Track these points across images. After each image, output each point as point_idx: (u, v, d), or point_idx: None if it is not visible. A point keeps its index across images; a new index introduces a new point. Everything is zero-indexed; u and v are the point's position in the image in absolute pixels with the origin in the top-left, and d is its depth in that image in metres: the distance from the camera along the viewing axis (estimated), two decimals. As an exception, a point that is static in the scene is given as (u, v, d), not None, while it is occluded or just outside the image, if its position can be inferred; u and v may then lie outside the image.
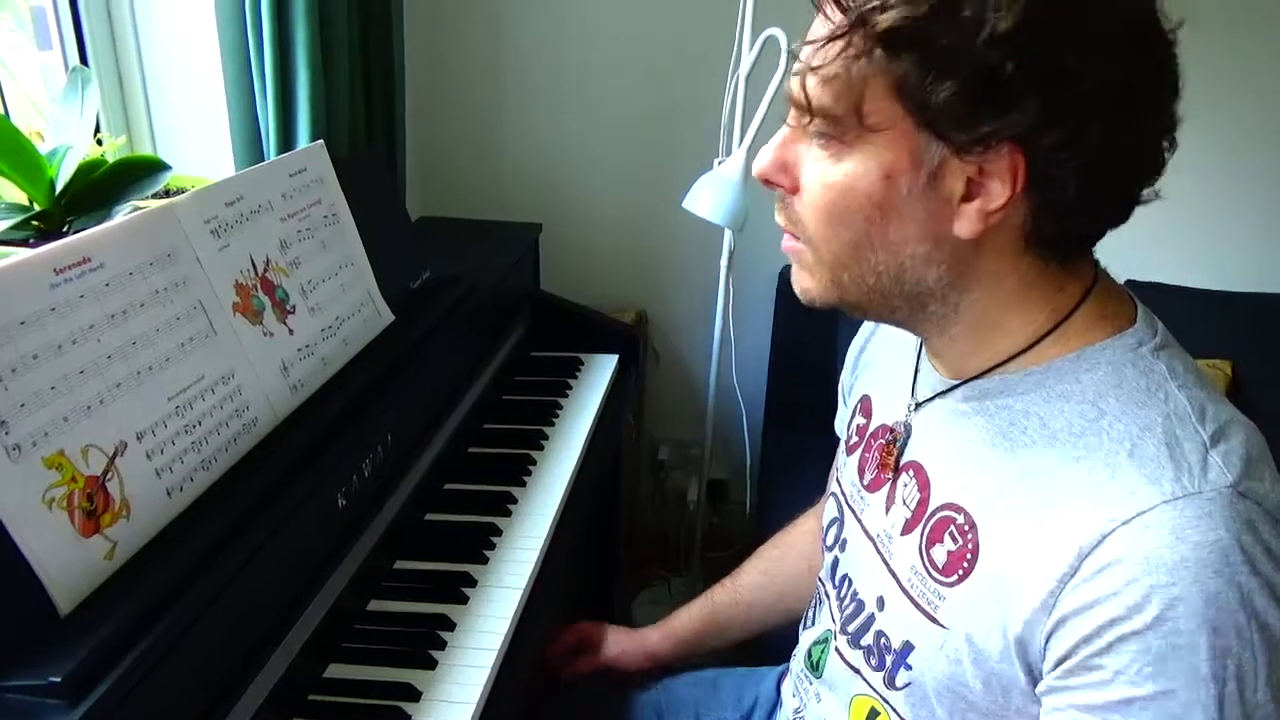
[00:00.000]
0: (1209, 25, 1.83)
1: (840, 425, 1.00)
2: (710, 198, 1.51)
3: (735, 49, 1.59)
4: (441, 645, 0.89)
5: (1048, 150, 0.58)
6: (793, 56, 0.64)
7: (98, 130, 1.34)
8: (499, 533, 1.08)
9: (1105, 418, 0.62)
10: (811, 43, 0.61)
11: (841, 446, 0.90)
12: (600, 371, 1.51)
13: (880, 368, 0.87)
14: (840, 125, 0.61)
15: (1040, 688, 0.62)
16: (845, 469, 0.87)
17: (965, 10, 0.55)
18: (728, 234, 1.70)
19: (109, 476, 0.68)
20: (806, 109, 0.61)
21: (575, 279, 1.95)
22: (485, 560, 1.03)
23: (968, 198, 0.60)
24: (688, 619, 1.12)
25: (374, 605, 0.96)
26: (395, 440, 1.03)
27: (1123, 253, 1.97)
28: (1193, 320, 1.84)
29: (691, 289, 2.05)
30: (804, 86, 0.61)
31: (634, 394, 1.69)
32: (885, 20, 0.56)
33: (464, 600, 0.96)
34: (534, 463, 1.23)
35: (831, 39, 0.59)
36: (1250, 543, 0.55)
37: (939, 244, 0.63)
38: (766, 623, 1.10)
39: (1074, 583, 0.58)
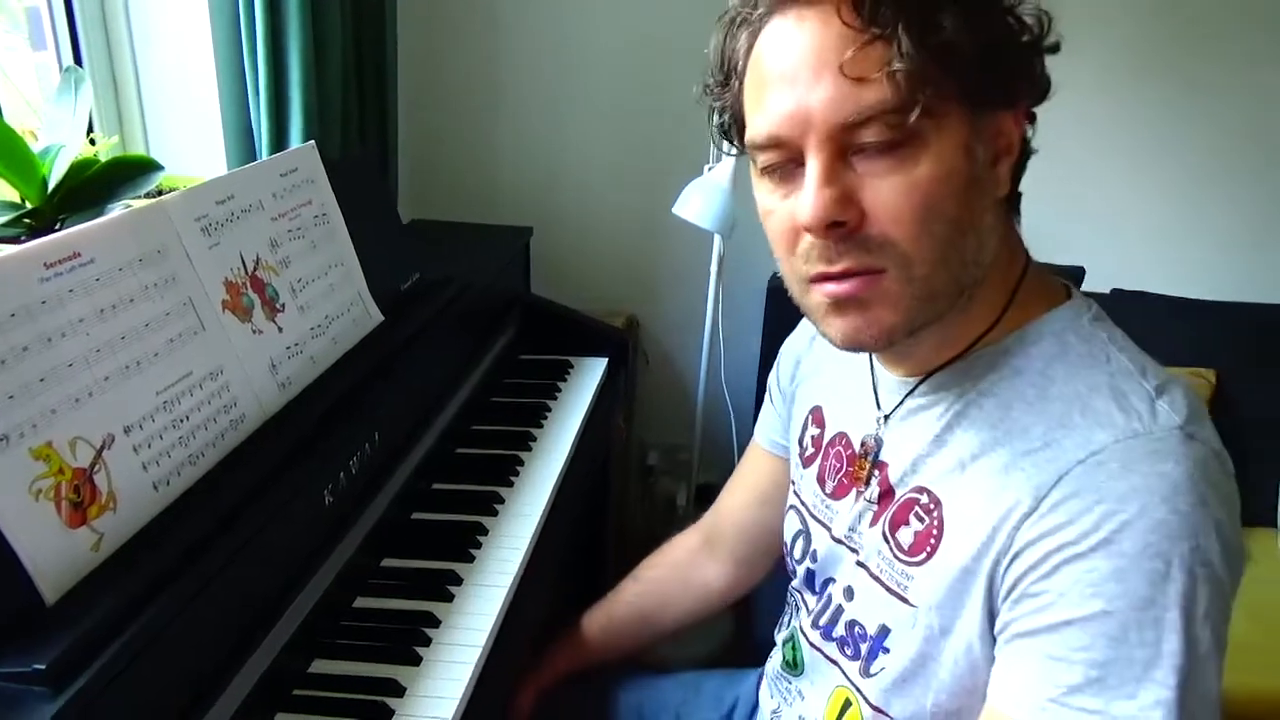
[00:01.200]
0: (1199, 42, 1.86)
1: (764, 429, 1.00)
2: (700, 203, 1.53)
3: (726, 56, 1.61)
4: (426, 642, 0.90)
5: (1035, 102, 0.66)
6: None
7: (91, 130, 1.35)
8: (485, 532, 1.08)
9: (1055, 384, 0.65)
10: (867, 49, 0.58)
11: (795, 460, 0.90)
12: (589, 374, 1.52)
13: (828, 376, 0.87)
14: (910, 120, 0.58)
15: (996, 630, 0.64)
16: (803, 481, 0.87)
17: None
18: (718, 240, 1.72)
19: (96, 469, 0.69)
20: (900, 108, 0.58)
21: (566, 282, 1.96)
22: (471, 559, 1.03)
23: (995, 159, 0.65)
24: (575, 639, 1.12)
25: (360, 602, 0.96)
26: (383, 439, 1.04)
27: (1108, 263, 1.99)
28: (1176, 330, 1.87)
29: (682, 294, 2.06)
30: (899, 86, 0.58)
31: (624, 398, 1.70)
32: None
33: (449, 598, 0.97)
34: (521, 463, 1.24)
35: (883, 38, 0.58)
36: (1199, 479, 0.58)
37: (996, 210, 0.66)
38: (639, 641, 1.11)
39: (1031, 519, 0.61)
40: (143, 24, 1.40)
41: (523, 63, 1.97)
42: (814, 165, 0.61)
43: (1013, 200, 0.70)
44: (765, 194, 0.67)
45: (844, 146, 0.61)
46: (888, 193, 0.60)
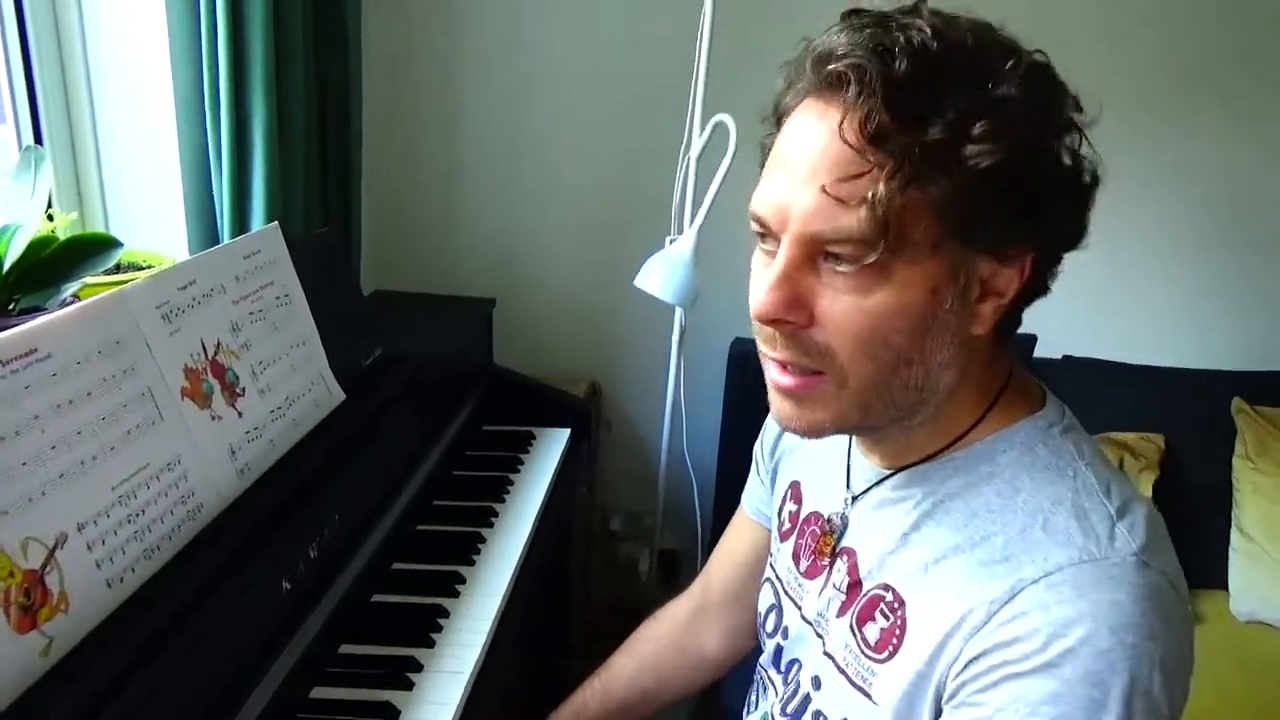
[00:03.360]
0: (1149, 117, 1.94)
1: (750, 498, 1.01)
2: (661, 276, 1.55)
3: (686, 133, 1.64)
4: (385, 734, 0.88)
5: (1056, 248, 0.65)
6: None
7: (49, 205, 1.34)
8: (446, 614, 1.07)
9: (1020, 494, 0.66)
10: (855, 177, 0.58)
11: (774, 532, 0.91)
12: (552, 446, 1.52)
13: (807, 454, 0.88)
14: (883, 251, 0.59)
15: None
16: (779, 555, 0.88)
17: (1033, 147, 0.60)
18: (679, 310, 1.74)
19: (48, 569, 0.67)
20: (865, 241, 0.58)
21: (528, 349, 1.97)
22: (431, 644, 1.02)
23: (981, 298, 0.64)
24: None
25: (317, 692, 0.94)
26: (343, 521, 1.03)
27: (1060, 330, 2.04)
28: (1127, 396, 1.91)
29: (644, 362, 2.07)
30: (873, 217, 0.58)
31: (587, 465, 1.69)
32: (980, 157, 0.57)
33: (409, 686, 0.95)
34: (483, 541, 1.23)
35: (886, 169, 0.58)
36: (1150, 610, 0.59)
37: (961, 346, 0.65)
38: (638, 718, 1.08)
39: (982, 632, 0.62)
40: (105, 98, 1.40)
41: (487, 133, 2.00)
42: (780, 261, 0.62)
43: (1004, 331, 0.68)
44: (755, 257, 0.68)
45: (811, 250, 0.62)
46: (840, 310, 0.62)
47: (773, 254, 0.64)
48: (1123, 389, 1.93)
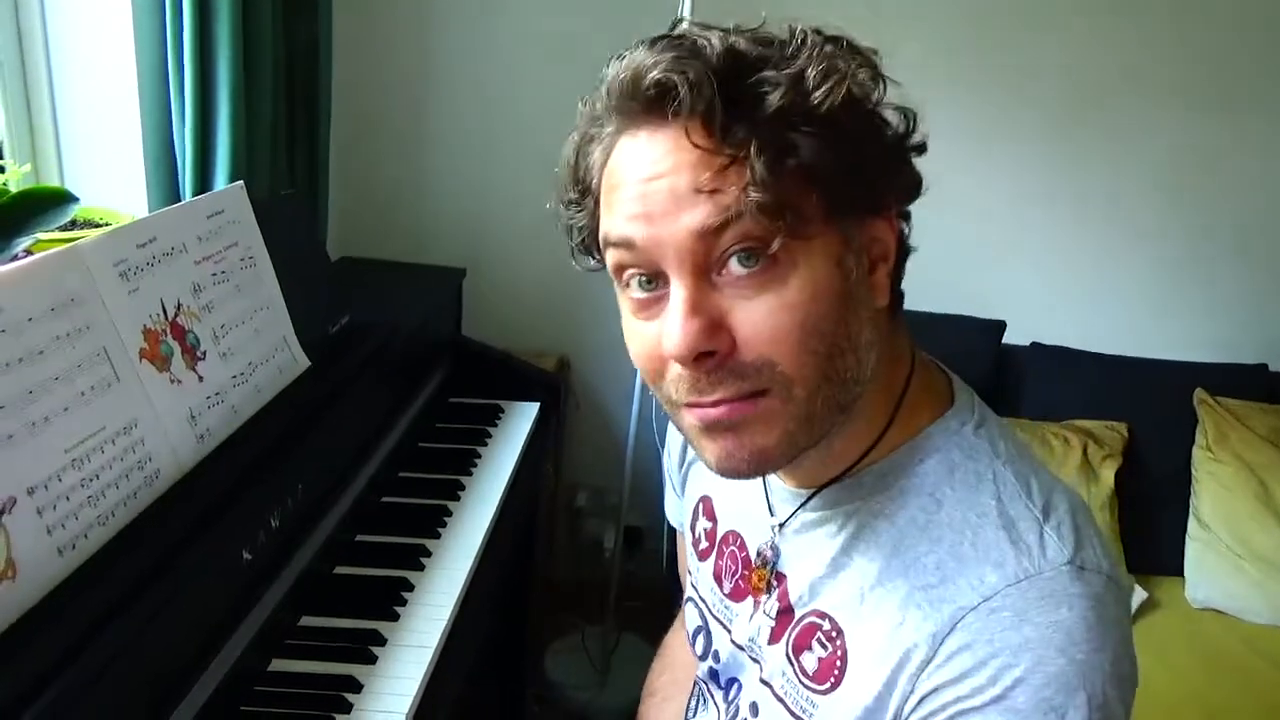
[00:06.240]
0: (1121, 108, 1.95)
1: (672, 512, 0.96)
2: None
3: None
4: (347, 709, 0.86)
5: (908, 199, 0.64)
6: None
7: (1, 157, 1.29)
8: (411, 588, 1.05)
9: (944, 507, 0.63)
10: (723, 170, 0.55)
11: (689, 547, 0.86)
12: (521, 420, 1.50)
13: None
14: (772, 249, 0.55)
15: None
16: (700, 574, 0.84)
17: (865, 92, 0.58)
18: (652, 285, 1.72)
19: (-6, 535, 0.64)
20: (763, 222, 0.54)
21: (498, 322, 1.94)
22: (396, 617, 1.00)
23: (873, 267, 0.61)
24: None
25: (276, 665, 0.92)
26: (306, 491, 1.00)
27: (1028, 317, 2.04)
28: (1092, 383, 1.93)
29: (614, 337, 2.02)
30: (758, 219, 0.54)
31: (554, 443, 1.68)
32: (827, 98, 0.55)
33: (372, 660, 0.93)
34: (450, 514, 1.21)
35: (738, 160, 0.54)
36: (1094, 620, 0.57)
37: (875, 323, 0.62)
38: None
39: (929, 668, 0.59)
40: (61, 47, 1.34)
41: (460, 100, 1.96)
42: (679, 290, 0.57)
43: (895, 305, 0.66)
44: (627, 313, 0.62)
45: (706, 264, 0.57)
46: (761, 315, 0.57)
47: (654, 300, 0.60)
48: (1089, 377, 1.94)
